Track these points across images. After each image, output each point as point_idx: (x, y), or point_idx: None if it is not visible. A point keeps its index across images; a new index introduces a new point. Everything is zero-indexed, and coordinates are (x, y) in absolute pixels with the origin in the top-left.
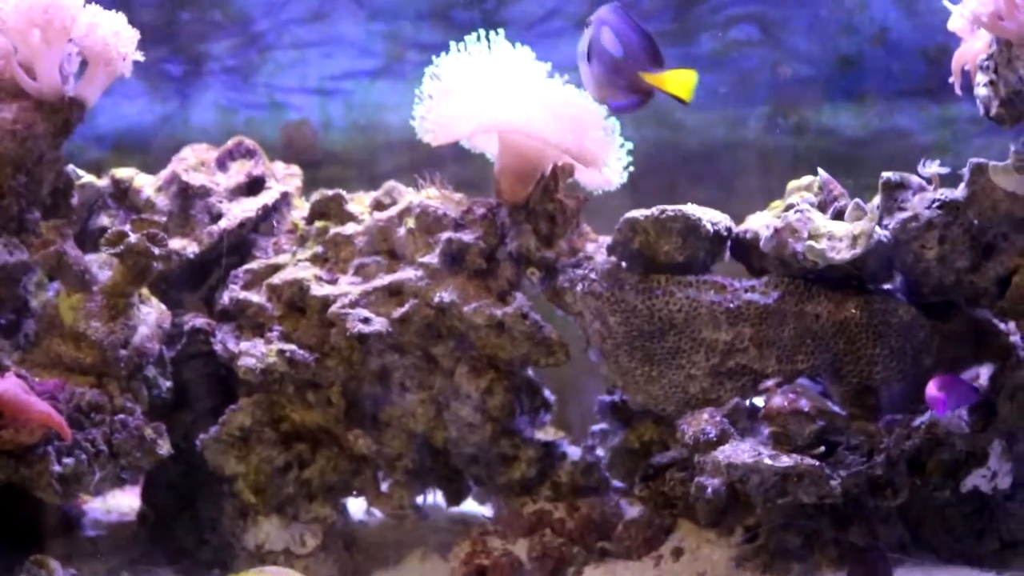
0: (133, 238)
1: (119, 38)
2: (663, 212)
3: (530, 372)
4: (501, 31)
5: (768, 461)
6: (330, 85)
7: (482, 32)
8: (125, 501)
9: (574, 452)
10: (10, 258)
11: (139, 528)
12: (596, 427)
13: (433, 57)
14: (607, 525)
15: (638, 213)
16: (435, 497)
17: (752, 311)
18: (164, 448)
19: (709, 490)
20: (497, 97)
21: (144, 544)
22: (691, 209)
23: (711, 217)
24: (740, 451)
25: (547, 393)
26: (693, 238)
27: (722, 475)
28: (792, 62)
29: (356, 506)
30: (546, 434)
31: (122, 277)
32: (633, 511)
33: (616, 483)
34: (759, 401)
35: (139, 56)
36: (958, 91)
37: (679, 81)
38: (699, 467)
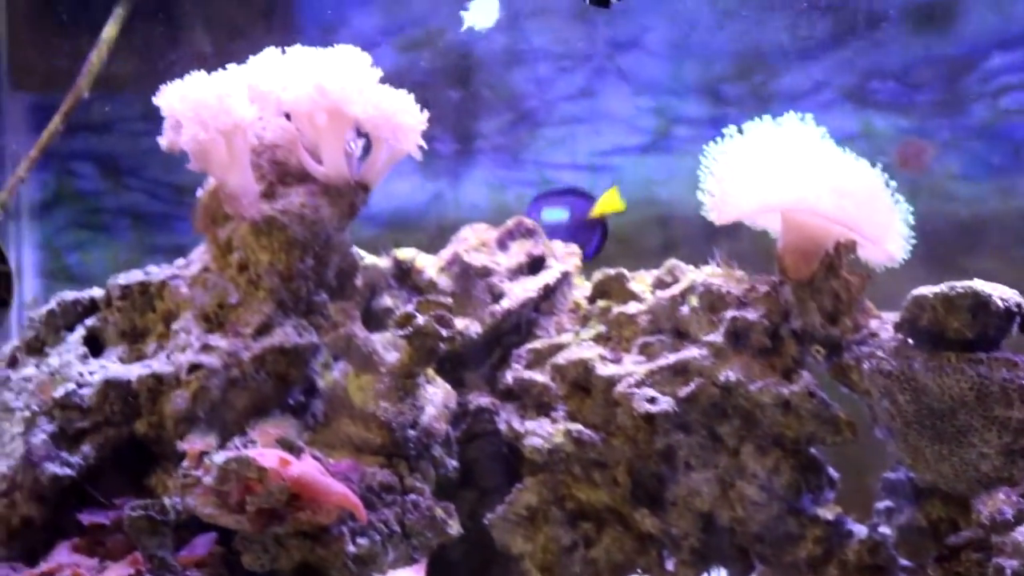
0: (421, 320)
1: (406, 119)
2: (952, 289)
3: (813, 450)
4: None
5: None
6: (599, 161)
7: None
8: None
9: (860, 530)
10: (300, 340)
11: None
12: (881, 504)
13: (700, 131)
14: None
15: (926, 290)
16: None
17: None
18: (454, 528)
19: (1008, 572)
20: (783, 176)
21: None
22: (980, 285)
23: (1001, 293)
24: None
25: (830, 470)
26: (983, 315)
27: (1021, 557)
28: None
29: None
30: (829, 511)
31: (410, 358)
32: None
33: (903, 561)
34: None
35: (422, 142)
36: None
37: (608, 202)
38: (997, 548)
